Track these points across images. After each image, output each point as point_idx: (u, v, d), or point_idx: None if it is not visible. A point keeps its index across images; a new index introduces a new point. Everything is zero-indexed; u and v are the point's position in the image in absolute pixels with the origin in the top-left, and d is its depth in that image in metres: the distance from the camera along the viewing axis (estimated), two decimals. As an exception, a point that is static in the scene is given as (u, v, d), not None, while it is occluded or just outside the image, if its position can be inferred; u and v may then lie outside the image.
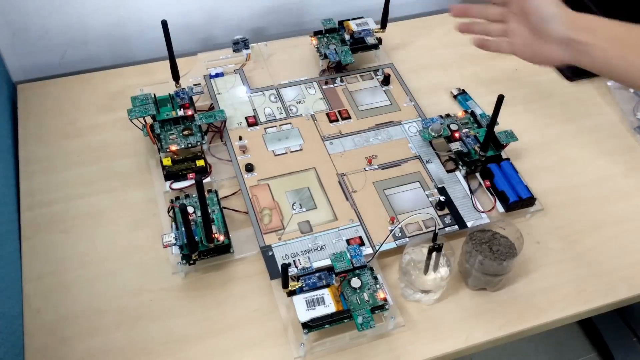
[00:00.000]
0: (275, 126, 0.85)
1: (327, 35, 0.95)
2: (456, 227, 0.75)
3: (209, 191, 0.75)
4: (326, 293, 0.65)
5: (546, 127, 0.90)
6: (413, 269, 0.68)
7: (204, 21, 0.99)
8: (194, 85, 0.85)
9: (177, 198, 0.74)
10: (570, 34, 0.65)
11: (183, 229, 0.67)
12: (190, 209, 0.71)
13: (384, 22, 0.94)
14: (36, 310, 0.67)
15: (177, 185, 0.77)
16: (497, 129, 0.79)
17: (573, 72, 0.97)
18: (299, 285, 0.65)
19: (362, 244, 0.72)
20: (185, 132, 0.80)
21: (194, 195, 0.74)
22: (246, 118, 0.86)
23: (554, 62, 0.70)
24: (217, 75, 0.91)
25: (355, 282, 0.67)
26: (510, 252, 0.69)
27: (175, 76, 0.83)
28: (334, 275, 0.67)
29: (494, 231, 0.71)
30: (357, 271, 0.68)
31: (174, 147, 0.78)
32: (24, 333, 0.65)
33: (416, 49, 1.01)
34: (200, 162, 0.78)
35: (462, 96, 0.92)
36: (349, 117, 0.87)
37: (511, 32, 0.72)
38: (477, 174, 0.81)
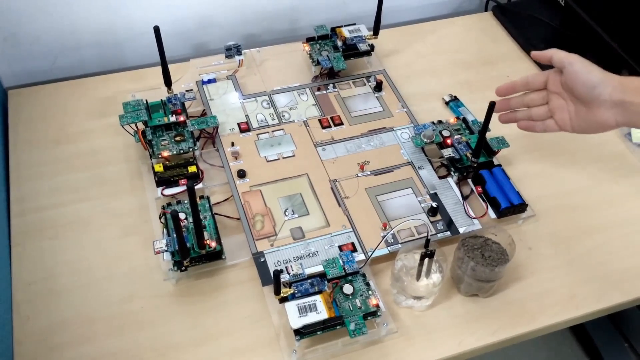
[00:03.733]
0: (267, 132, 0.85)
1: (320, 41, 0.95)
2: (448, 233, 0.75)
3: (201, 197, 0.74)
4: (318, 299, 0.65)
5: (537, 133, 0.91)
6: (405, 275, 0.68)
7: (197, 27, 0.99)
8: (186, 91, 0.85)
9: (169, 204, 0.74)
10: (622, 96, 0.66)
11: (175, 235, 0.66)
12: (182, 215, 0.71)
13: (376, 29, 0.95)
14: (26, 318, 0.67)
15: (169, 191, 0.76)
16: (488, 135, 0.80)
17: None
18: (291, 291, 0.65)
19: (354, 250, 0.72)
20: (177, 138, 0.79)
21: (185, 202, 0.73)
22: (238, 124, 0.86)
23: (609, 127, 0.69)
24: (210, 81, 0.91)
25: (348, 289, 0.66)
26: (502, 258, 0.69)
27: (168, 82, 0.83)
28: (326, 282, 0.67)
29: (486, 237, 0.71)
30: (350, 277, 0.68)
31: (165, 153, 0.77)
32: (14, 341, 0.65)
33: (408, 55, 1.02)
34: (192, 168, 0.78)
35: (454, 102, 0.93)
36: (342, 124, 0.87)
37: (556, 110, 0.72)
38: (469, 180, 0.81)
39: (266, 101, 0.89)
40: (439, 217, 0.77)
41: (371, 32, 0.95)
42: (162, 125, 0.80)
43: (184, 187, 0.76)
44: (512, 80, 0.75)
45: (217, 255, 0.70)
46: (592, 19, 0.99)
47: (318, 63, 0.92)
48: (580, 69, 0.68)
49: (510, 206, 0.76)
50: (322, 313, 0.63)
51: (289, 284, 0.66)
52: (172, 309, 0.68)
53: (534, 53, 0.74)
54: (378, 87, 0.92)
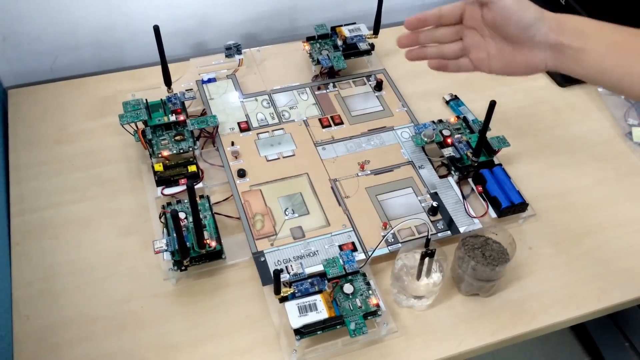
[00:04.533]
0: (267, 132, 0.85)
1: (320, 40, 0.95)
2: (449, 232, 0.75)
3: (201, 197, 0.74)
4: (318, 299, 0.64)
5: (538, 132, 0.91)
6: (406, 275, 0.68)
7: (197, 26, 0.99)
8: (186, 90, 0.85)
9: (169, 204, 0.74)
10: (558, 37, 0.59)
11: (174, 234, 0.66)
12: (182, 215, 0.71)
13: (376, 28, 0.94)
14: (25, 317, 0.67)
15: (169, 190, 0.76)
16: (489, 134, 0.80)
17: (565, 78, 0.98)
18: (291, 291, 0.65)
19: (354, 249, 0.72)
20: (177, 138, 0.79)
21: (185, 201, 0.73)
22: (238, 123, 0.85)
23: (536, 70, 0.63)
24: (210, 80, 0.91)
25: (348, 288, 0.66)
26: (502, 258, 0.69)
27: (167, 81, 0.83)
28: (326, 281, 0.67)
29: (486, 237, 0.71)
30: (350, 277, 0.67)
31: (165, 153, 0.77)
32: (14, 340, 0.65)
33: (408, 54, 1.01)
34: (192, 168, 0.77)
35: (454, 102, 0.92)
36: (342, 123, 0.87)
37: (472, 48, 0.65)
38: (470, 180, 0.81)
39: (266, 100, 0.89)
40: (439, 216, 0.76)
41: (371, 32, 0.95)
42: (162, 125, 0.80)
43: (184, 187, 0.76)
44: (423, 12, 0.67)
45: (217, 254, 0.70)
46: (590, 15, 0.99)
47: (318, 62, 0.92)
48: (512, 4, 0.60)
49: (511, 205, 0.76)
50: (322, 313, 0.63)
51: (289, 284, 0.66)
52: (172, 308, 0.68)
53: None
54: (378, 87, 0.92)
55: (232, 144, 0.82)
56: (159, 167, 0.77)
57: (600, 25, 0.61)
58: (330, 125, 0.87)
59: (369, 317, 0.65)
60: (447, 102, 0.93)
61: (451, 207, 0.77)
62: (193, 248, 0.68)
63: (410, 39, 0.69)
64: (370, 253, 0.72)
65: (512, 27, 0.61)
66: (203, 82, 0.91)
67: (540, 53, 0.61)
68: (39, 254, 0.72)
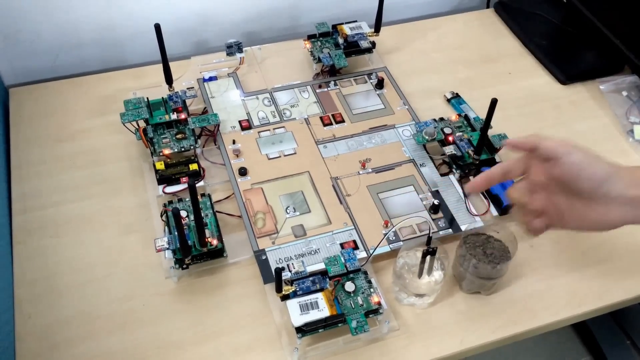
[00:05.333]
0: (268, 130, 0.85)
1: (321, 39, 0.95)
2: (450, 230, 0.75)
3: (202, 195, 0.74)
4: (320, 297, 0.64)
5: (539, 130, 0.91)
6: (407, 273, 0.68)
7: (198, 25, 0.99)
8: (187, 89, 0.85)
9: (170, 202, 0.74)
10: (638, 192, 0.56)
11: (176, 233, 0.66)
12: (183, 213, 0.71)
13: (377, 26, 0.94)
14: (28, 316, 0.67)
15: (170, 189, 0.76)
16: (490, 132, 0.79)
17: (566, 76, 0.97)
18: (293, 289, 0.65)
19: (356, 247, 0.72)
20: (179, 136, 0.79)
21: (187, 199, 0.73)
22: (240, 122, 0.85)
23: (612, 226, 0.59)
24: (211, 79, 0.91)
25: (349, 286, 0.66)
26: (504, 256, 0.69)
27: (169, 80, 0.83)
28: (327, 279, 0.67)
29: (488, 235, 0.71)
30: (351, 275, 0.67)
31: (167, 151, 0.77)
32: (16, 338, 0.65)
33: (410, 52, 1.02)
34: (193, 166, 0.77)
35: (455, 100, 0.92)
36: (343, 121, 0.87)
37: (546, 208, 0.61)
38: (471, 178, 0.81)
39: (267, 99, 0.89)
40: (440, 214, 0.76)
41: (372, 30, 0.95)
42: (163, 123, 0.80)
43: (185, 185, 0.76)
44: (486, 171, 0.65)
45: (218, 253, 0.70)
46: (594, 15, 0.99)
47: (319, 60, 0.92)
48: (582, 160, 0.57)
49: (512, 203, 0.76)
50: (323, 311, 0.63)
51: (291, 282, 0.66)
52: (174, 307, 0.68)
53: (509, 141, 0.62)
54: (379, 85, 0.92)
55: (234, 142, 0.82)
56: (160, 166, 0.77)
57: None
58: (331, 124, 0.87)
59: (370, 315, 0.65)
60: (449, 100, 0.93)
61: (452, 205, 0.77)
62: (194, 246, 0.68)
63: (479, 187, 0.67)
64: (371, 251, 0.72)
65: (584, 183, 0.57)
66: (204, 80, 0.91)
67: (617, 209, 0.57)
68: (40, 252, 0.72)
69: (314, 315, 0.63)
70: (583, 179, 0.57)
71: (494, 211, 0.77)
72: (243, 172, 0.79)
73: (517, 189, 0.63)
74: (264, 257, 0.71)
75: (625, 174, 0.57)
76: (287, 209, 0.76)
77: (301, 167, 0.81)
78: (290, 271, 0.68)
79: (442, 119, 0.85)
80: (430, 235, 0.66)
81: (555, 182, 0.59)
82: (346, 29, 0.94)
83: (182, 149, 0.78)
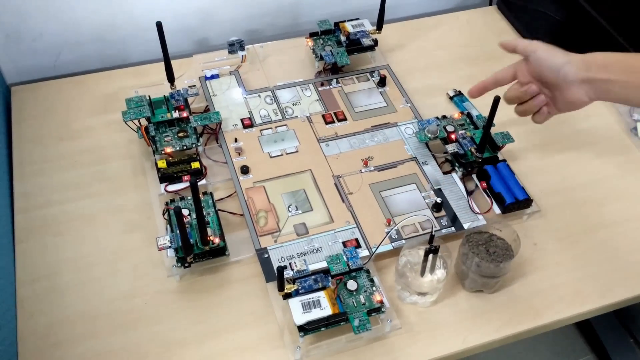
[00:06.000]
0: (270, 128, 0.85)
1: (323, 36, 0.94)
2: (453, 228, 0.75)
3: (204, 193, 0.74)
4: (322, 296, 0.64)
5: (542, 128, 0.90)
6: (409, 271, 0.68)
7: (199, 23, 0.99)
8: (189, 87, 0.84)
9: (172, 200, 0.74)
10: (586, 73, 0.67)
11: (178, 231, 0.66)
12: (185, 212, 0.71)
13: (379, 24, 0.94)
14: (30, 314, 0.67)
15: (172, 187, 0.76)
16: (493, 130, 0.79)
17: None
18: (295, 287, 0.65)
19: (358, 246, 0.72)
20: (180, 134, 0.79)
21: (189, 198, 0.73)
22: (241, 120, 0.85)
23: (584, 103, 0.71)
24: (213, 77, 0.91)
25: (352, 285, 0.66)
26: (507, 254, 0.69)
27: (170, 78, 0.83)
28: (330, 278, 0.66)
29: (490, 233, 0.71)
30: (354, 273, 0.67)
31: (169, 149, 0.77)
32: (18, 337, 0.65)
33: (412, 50, 1.01)
34: (195, 164, 0.77)
35: (458, 97, 0.92)
36: (345, 119, 0.87)
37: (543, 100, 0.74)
38: (474, 176, 0.80)
39: (269, 97, 0.89)
40: (443, 212, 0.76)
41: (375, 27, 0.95)
42: (165, 122, 0.80)
43: (187, 184, 0.76)
44: (482, 80, 0.76)
45: (220, 251, 0.70)
46: (598, 12, 0.98)
47: (321, 58, 0.91)
48: (543, 54, 0.70)
49: (515, 202, 0.76)
50: (326, 309, 0.63)
51: (293, 280, 0.66)
52: (176, 305, 0.68)
53: (501, 42, 0.75)
54: (382, 83, 0.92)
55: (235, 140, 0.82)
56: (162, 164, 0.76)
57: (622, 56, 0.68)
58: (333, 122, 0.86)
59: (372, 314, 0.65)
60: (451, 98, 0.93)
61: (455, 204, 0.77)
62: (196, 245, 0.68)
63: (481, 91, 0.77)
64: (373, 249, 0.72)
65: (547, 72, 0.70)
66: (206, 78, 0.91)
67: (578, 89, 0.69)
68: (42, 251, 0.72)
69: (316, 314, 0.63)
70: (545, 70, 0.70)
71: (496, 209, 0.77)
72: (245, 170, 0.79)
73: (511, 90, 0.75)
74: (266, 256, 0.71)
75: (578, 60, 0.68)
76: (289, 207, 0.76)
77: (303, 166, 0.80)
78: (292, 270, 0.68)
79: (444, 117, 0.85)
80: (433, 233, 0.66)
81: (535, 79, 0.72)
82: (348, 27, 0.94)
83: (184, 147, 0.78)
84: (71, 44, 0.93)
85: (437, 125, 0.83)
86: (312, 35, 0.95)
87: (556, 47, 0.71)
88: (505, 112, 0.83)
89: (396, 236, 0.73)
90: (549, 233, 0.77)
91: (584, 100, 0.70)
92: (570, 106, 0.72)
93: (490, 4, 1.14)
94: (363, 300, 0.65)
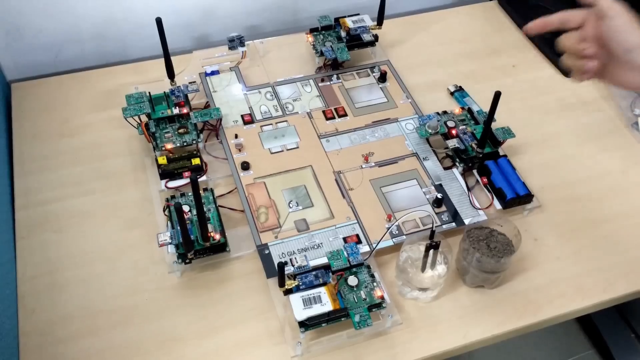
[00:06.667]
0: (271, 124, 0.85)
1: (323, 32, 0.94)
2: (453, 224, 0.75)
3: (205, 190, 0.74)
4: (323, 291, 0.64)
5: (543, 123, 0.90)
6: (410, 267, 0.68)
7: (199, 19, 0.99)
8: (190, 83, 0.84)
9: (173, 197, 0.74)
10: None
11: (178, 227, 0.66)
12: (186, 208, 0.71)
13: (380, 19, 0.94)
14: (31, 311, 0.67)
15: (173, 183, 0.76)
16: (494, 125, 0.79)
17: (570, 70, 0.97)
18: (296, 283, 0.65)
19: (359, 241, 0.72)
20: (181, 131, 0.79)
21: (189, 194, 0.73)
22: (242, 116, 0.85)
23: (633, 88, 0.65)
24: (213, 73, 0.91)
25: (352, 280, 0.66)
26: (507, 249, 0.69)
27: (170, 74, 0.83)
28: (330, 274, 0.66)
29: (491, 228, 0.71)
30: (354, 269, 0.67)
31: (169, 146, 0.77)
32: (19, 333, 0.65)
33: (413, 45, 1.01)
34: (195, 161, 0.77)
35: (459, 93, 0.92)
36: (346, 115, 0.87)
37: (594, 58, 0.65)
38: (474, 171, 0.80)
39: (270, 93, 0.89)
40: (444, 208, 0.76)
41: (375, 23, 0.95)
42: (165, 118, 0.80)
43: (188, 180, 0.76)
44: (544, 17, 0.68)
45: (221, 247, 0.70)
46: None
47: (322, 54, 0.91)
48: (620, 25, 0.61)
49: (516, 197, 0.76)
50: (326, 305, 0.63)
51: (294, 276, 0.66)
52: (177, 301, 0.68)
53: None
54: (382, 78, 0.92)
55: (236, 136, 0.82)
56: (162, 160, 0.76)
57: None
58: (334, 117, 0.86)
59: (373, 309, 0.65)
60: (452, 93, 0.92)
61: (456, 199, 0.77)
62: (197, 241, 0.68)
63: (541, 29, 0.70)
64: (374, 245, 0.72)
65: (614, 46, 0.62)
66: (206, 74, 0.90)
67: (637, 75, 0.62)
68: (43, 247, 0.72)
69: (317, 310, 0.63)
70: (614, 43, 0.61)
71: (497, 205, 0.77)
72: (245, 166, 0.79)
73: (569, 37, 0.66)
74: (266, 252, 0.71)
75: None
76: (289, 203, 0.76)
77: (304, 161, 0.80)
78: (293, 265, 0.68)
79: (445, 112, 0.85)
80: (434, 229, 0.66)
81: (600, 40, 0.63)
82: (349, 22, 0.94)
83: (185, 144, 0.78)
84: (71, 41, 0.93)
85: (438, 121, 0.82)
86: (313, 30, 0.94)
87: (637, 18, 0.61)
88: (506, 107, 0.83)
89: (397, 232, 0.73)
90: (549, 228, 0.77)
91: (636, 87, 0.63)
92: (620, 83, 0.65)
93: (491, -1, 1.13)
94: (364, 296, 0.65)
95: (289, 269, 0.67)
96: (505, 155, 0.81)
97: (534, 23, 0.69)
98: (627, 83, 0.64)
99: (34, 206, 0.76)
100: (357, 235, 0.73)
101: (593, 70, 0.65)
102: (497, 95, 0.71)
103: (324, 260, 0.69)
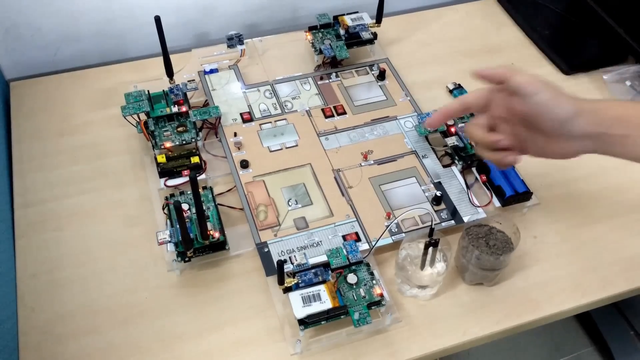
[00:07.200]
0: (270, 122, 0.85)
1: (322, 30, 0.94)
2: (452, 222, 0.75)
3: (204, 188, 0.74)
4: (322, 289, 0.64)
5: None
6: (409, 265, 0.68)
7: (198, 17, 0.99)
8: (188, 81, 0.84)
9: (172, 195, 0.74)
10: (597, 128, 0.56)
11: (178, 226, 0.66)
12: (185, 206, 0.71)
13: (379, 17, 0.94)
14: (30, 309, 0.67)
15: (172, 182, 0.76)
16: (493, 123, 0.79)
17: (569, 66, 0.97)
18: (295, 281, 0.65)
19: (358, 239, 0.72)
20: (180, 129, 0.79)
21: (188, 192, 0.73)
22: (241, 114, 0.85)
23: (573, 156, 0.60)
24: (212, 71, 0.91)
25: (352, 278, 0.66)
26: (506, 247, 0.69)
27: (169, 72, 0.83)
28: (330, 272, 0.66)
29: (490, 226, 0.71)
30: (354, 267, 0.67)
31: (168, 144, 0.77)
32: (19, 332, 0.65)
33: (412, 43, 1.01)
34: (194, 159, 0.77)
35: (458, 91, 0.92)
36: (345, 113, 0.87)
37: (504, 132, 0.61)
38: (473, 169, 0.80)
39: (268, 91, 0.89)
40: (443, 206, 0.76)
41: (374, 20, 0.95)
42: (164, 116, 0.80)
43: (187, 178, 0.76)
44: (444, 106, 0.64)
45: (220, 245, 0.70)
46: (597, 4, 0.98)
47: (320, 52, 0.91)
48: (548, 101, 0.57)
49: (515, 194, 0.76)
50: (326, 303, 0.63)
51: (293, 274, 0.66)
52: (176, 299, 0.68)
53: (479, 71, 0.61)
54: (381, 76, 0.92)
55: (235, 134, 0.82)
56: (161, 159, 0.76)
57: (636, 106, 0.57)
58: (333, 115, 0.86)
59: (372, 307, 0.65)
60: (451, 91, 0.92)
61: (455, 197, 0.77)
62: (196, 239, 0.68)
63: (438, 123, 0.68)
64: (373, 243, 0.72)
65: (547, 123, 0.58)
66: (205, 72, 0.90)
67: (578, 143, 0.58)
68: (43, 246, 0.72)
69: (316, 307, 0.63)
70: (547, 120, 0.57)
71: (496, 202, 0.77)
72: (244, 164, 0.79)
73: (475, 127, 0.62)
74: (266, 250, 0.71)
75: (588, 113, 0.57)
76: (289, 201, 0.76)
77: (303, 160, 0.80)
78: (292, 263, 0.68)
79: (444, 110, 0.85)
80: (433, 226, 0.66)
81: (518, 117, 0.60)
82: (347, 20, 0.94)
83: (184, 142, 0.78)
84: (70, 39, 0.93)
85: (437, 119, 0.82)
86: (311, 28, 0.94)
87: (558, 88, 0.58)
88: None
89: (396, 229, 0.73)
90: (548, 225, 0.77)
91: (579, 153, 0.59)
92: (551, 155, 0.61)
93: (490, -3, 1.13)
94: (363, 294, 0.65)
95: (288, 267, 0.67)
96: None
97: (433, 118, 0.65)
98: (560, 153, 0.60)
99: (33, 205, 0.76)
100: (357, 233, 0.73)
101: (515, 161, 0.61)
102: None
103: (323, 258, 0.69)
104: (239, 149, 0.81)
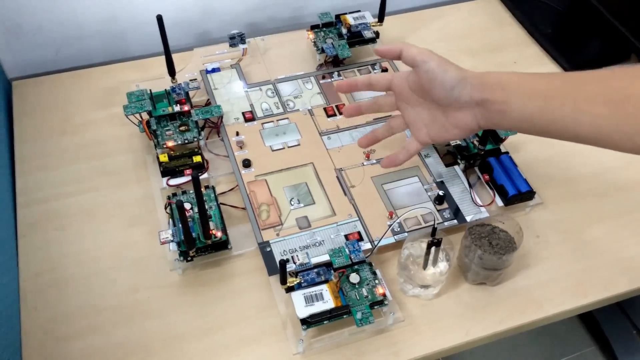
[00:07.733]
0: (272, 121, 0.85)
1: (324, 29, 0.94)
2: (455, 221, 0.75)
3: (206, 187, 0.74)
4: (325, 289, 0.64)
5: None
6: (412, 264, 0.68)
7: (200, 16, 0.98)
8: (190, 80, 0.84)
9: (174, 194, 0.74)
10: (483, 95, 0.59)
11: (180, 225, 0.66)
12: (187, 205, 0.71)
13: (381, 16, 0.94)
14: (33, 309, 0.67)
15: (174, 181, 0.76)
16: (495, 122, 0.79)
17: (572, 65, 0.97)
18: (298, 281, 0.65)
19: (360, 239, 0.72)
20: (182, 128, 0.79)
21: (191, 192, 0.73)
22: (243, 113, 0.85)
23: (470, 130, 0.63)
24: (214, 70, 0.90)
25: (354, 278, 0.66)
26: (509, 246, 0.68)
27: (171, 72, 0.83)
28: (332, 271, 0.66)
29: (493, 225, 0.71)
30: (356, 266, 0.67)
31: (170, 143, 0.77)
32: (21, 331, 0.65)
33: (414, 42, 0.98)
34: (197, 158, 0.77)
35: (460, 90, 0.92)
36: (347, 112, 0.86)
37: (413, 124, 0.67)
38: (476, 168, 0.80)
39: (271, 90, 0.89)
40: (445, 205, 0.76)
41: (376, 19, 0.94)
42: (166, 115, 0.80)
43: (189, 177, 0.76)
44: (354, 78, 0.70)
45: (223, 245, 0.70)
46: (600, 2, 0.98)
47: (322, 51, 0.91)
48: (436, 67, 0.61)
49: (518, 194, 0.76)
50: (328, 302, 0.63)
51: (295, 274, 0.66)
52: (179, 299, 0.68)
53: (377, 49, 0.66)
54: (383, 75, 0.91)
55: (237, 134, 0.82)
56: (164, 158, 0.76)
57: (519, 76, 0.60)
58: (335, 115, 0.86)
59: (375, 307, 0.65)
60: (453, 90, 0.92)
61: (457, 196, 0.77)
62: (199, 238, 0.68)
63: (354, 110, 0.73)
64: (376, 242, 0.72)
65: (437, 89, 0.62)
66: (207, 72, 0.90)
67: (469, 112, 0.62)
68: (45, 245, 0.72)
69: (318, 307, 0.63)
70: (436, 86, 0.61)
71: (499, 202, 0.77)
72: (247, 163, 0.79)
73: (377, 104, 0.71)
74: (268, 249, 0.71)
75: (473, 78, 0.60)
76: (291, 200, 0.76)
77: (305, 159, 0.80)
78: (294, 263, 0.68)
79: (446, 109, 0.85)
80: (435, 226, 0.66)
81: (415, 94, 0.65)
82: (349, 19, 0.94)
83: (186, 141, 0.78)
84: (72, 38, 0.93)
85: (439, 118, 0.82)
86: (313, 27, 0.94)
87: (449, 60, 0.62)
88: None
89: (398, 229, 0.73)
90: (551, 225, 0.77)
91: (473, 125, 0.62)
92: (451, 133, 0.64)
93: (492, -5, 1.13)
94: (365, 293, 0.65)
95: (290, 267, 0.67)
96: (507, 152, 0.80)
97: (343, 82, 0.72)
98: (461, 126, 0.63)
99: (35, 204, 0.76)
100: (359, 233, 0.73)
101: (404, 156, 0.69)
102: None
103: (325, 258, 0.69)
104: (241, 148, 0.81)
